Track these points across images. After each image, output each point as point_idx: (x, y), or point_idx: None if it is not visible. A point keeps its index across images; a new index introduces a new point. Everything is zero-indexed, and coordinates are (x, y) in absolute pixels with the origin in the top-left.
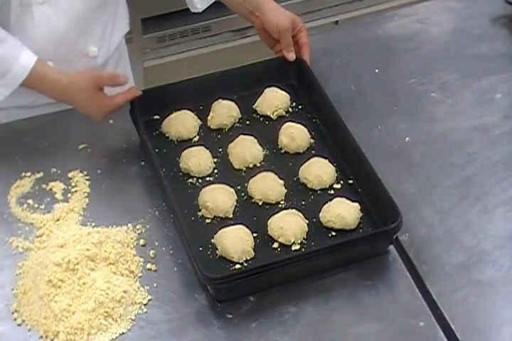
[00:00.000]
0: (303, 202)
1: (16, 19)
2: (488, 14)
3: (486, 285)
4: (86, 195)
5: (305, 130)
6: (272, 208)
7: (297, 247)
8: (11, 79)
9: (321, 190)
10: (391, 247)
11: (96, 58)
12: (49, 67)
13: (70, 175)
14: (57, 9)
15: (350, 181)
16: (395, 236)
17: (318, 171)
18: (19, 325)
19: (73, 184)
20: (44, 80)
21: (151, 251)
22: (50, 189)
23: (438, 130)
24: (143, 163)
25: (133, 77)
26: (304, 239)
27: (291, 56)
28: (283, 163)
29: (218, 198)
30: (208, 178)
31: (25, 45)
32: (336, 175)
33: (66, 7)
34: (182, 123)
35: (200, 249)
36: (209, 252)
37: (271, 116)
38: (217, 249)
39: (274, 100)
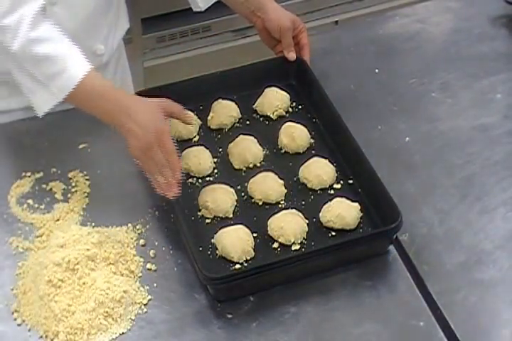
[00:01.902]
0: (303, 202)
1: None
2: (488, 14)
3: (486, 285)
4: (86, 195)
5: (305, 130)
6: (271, 208)
7: (297, 247)
8: (66, 81)
9: (321, 189)
10: (391, 247)
11: (102, 56)
12: (102, 77)
13: (70, 175)
14: (68, 10)
15: (350, 181)
16: (395, 236)
17: (318, 171)
18: (19, 325)
19: (73, 184)
20: (100, 86)
21: (151, 251)
22: (50, 189)
23: (438, 130)
24: None
25: (132, 77)
26: (304, 239)
27: (292, 56)
28: (283, 163)
29: (218, 198)
30: (207, 178)
31: None
32: (336, 175)
33: (77, 7)
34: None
35: (200, 249)
36: (209, 252)
37: (271, 116)
38: (217, 249)
39: (274, 100)
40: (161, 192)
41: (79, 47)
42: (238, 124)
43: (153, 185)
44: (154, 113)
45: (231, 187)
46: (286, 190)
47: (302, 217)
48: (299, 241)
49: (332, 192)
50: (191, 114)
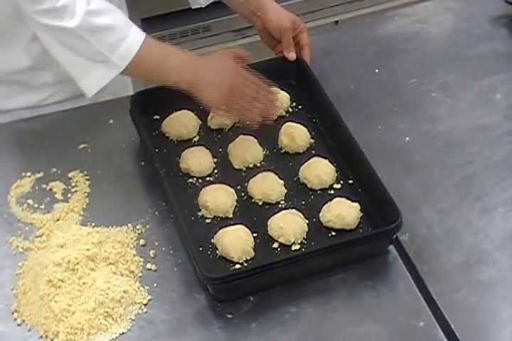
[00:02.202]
0: (303, 202)
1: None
2: (488, 14)
3: (486, 285)
4: (86, 195)
5: (305, 130)
6: (271, 208)
7: (297, 247)
8: (128, 47)
9: (321, 190)
10: (391, 247)
11: None
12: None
13: (70, 175)
14: None
15: (350, 181)
16: (395, 236)
17: (318, 171)
18: (19, 325)
19: (73, 184)
20: (162, 47)
21: (151, 251)
22: (50, 189)
23: (438, 130)
24: (143, 163)
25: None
26: (304, 239)
27: (292, 56)
28: (283, 163)
29: (218, 198)
30: (207, 178)
31: None
32: (336, 175)
33: None
34: (182, 123)
35: (200, 249)
36: (209, 252)
37: None
38: (217, 249)
39: None
40: (258, 123)
41: None
42: (238, 124)
43: (247, 122)
44: (225, 59)
45: (231, 187)
46: (286, 190)
47: (302, 217)
48: (299, 241)
49: (332, 192)
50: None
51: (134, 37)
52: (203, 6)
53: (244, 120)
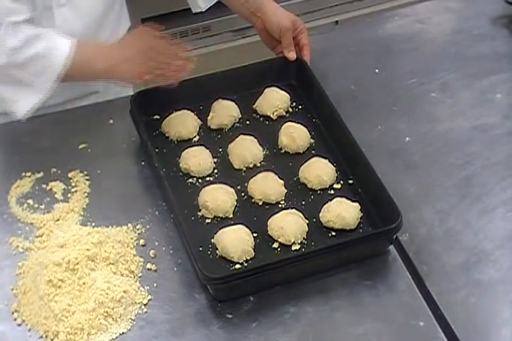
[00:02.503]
0: (303, 202)
1: (38, 22)
2: (488, 14)
3: (486, 285)
4: (86, 195)
5: (305, 130)
6: (271, 208)
7: (297, 247)
8: (52, 73)
9: (321, 190)
10: (391, 247)
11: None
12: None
13: (70, 175)
14: (76, 11)
15: (350, 181)
16: (395, 236)
17: (318, 171)
18: (19, 325)
19: (73, 184)
20: (83, 58)
21: (151, 251)
22: (50, 189)
23: (438, 130)
24: (143, 163)
25: None
26: (304, 239)
27: (292, 56)
28: (283, 163)
29: (218, 198)
30: (208, 178)
31: None
32: (336, 175)
33: (84, 9)
34: (182, 123)
35: (200, 249)
36: (209, 252)
37: (271, 116)
38: (217, 249)
39: (274, 100)
40: (177, 76)
41: None
42: (238, 124)
43: (163, 81)
44: (141, 33)
45: (231, 187)
46: (286, 190)
47: (302, 217)
48: (299, 241)
49: (332, 192)
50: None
51: (58, 61)
52: (203, 10)
53: (165, 82)
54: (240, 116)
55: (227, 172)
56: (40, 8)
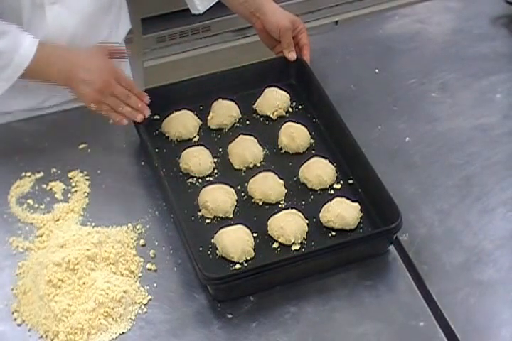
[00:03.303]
0: (303, 202)
1: (28, 20)
2: (488, 14)
3: (486, 285)
4: (86, 195)
5: (305, 130)
6: (271, 208)
7: (297, 247)
8: (11, 73)
9: (321, 190)
10: (391, 247)
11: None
12: (52, 46)
13: (70, 175)
14: (68, 9)
15: (350, 181)
16: (395, 236)
17: (318, 171)
18: (19, 325)
19: (73, 184)
20: (46, 61)
21: (151, 251)
22: (50, 189)
23: (438, 130)
24: (143, 163)
25: (132, 76)
26: (304, 239)
27: (292, 56)
28: (283, 163)
29: (218, 198)
30: (207, 178)
31: None
32: (336, 175)
33: (76, 7)
34: (182, 123)
35: (200, 249)
36: (209, 252)
37: (271, 116)
38: (217, 249)
39: (274, 100)
40: (130, 119)
41: (77, 48)
42: (238, 124)
43: (117, 120)
44: (98, 57)
45: (231, 187)
46: (286, 190)
47: (302, 217)
48: (299, 241)
49: (332, 192)
50: (123, 48)
51: (19, 61)
52: (201, 12)
53: (112, 118)
54: (240, 116)
55: (227, 172)
56: (27, 4)
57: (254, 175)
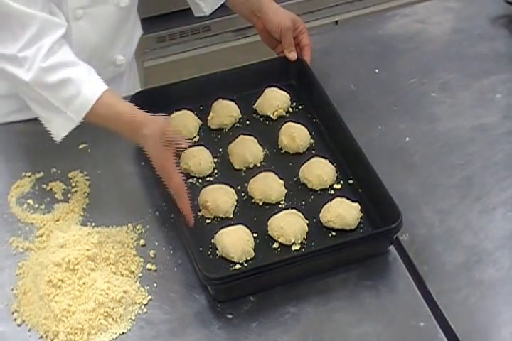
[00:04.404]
0: (303, 202)
1: None
2: (488, 14)
3: (487, 285)
4: (86, 195)
5: (305, 130)
6: (272, 208)
7: (297, 247)
8: (81, 103)
9: (321, 190)
10: (391, 247)
11: (122, 66)
12: (118, 97)
13: (70, 175)
14: (93, 24)
15: (351, 181)
16: (395, 237)
17: (319, 171)
18: (19, 325)
19: (73, 184)
20: (113, 108)
21: (151, 251)
22: (50, 189)
23: (438, 130)
24: (143, 163)
25: (132, 76)
26: (304, 239)
27: (293, 55)
28: (283, 163)
29: (218, 198)
30: (208, 178)
31: None
32: (336, 175)
33: (100, 21)
34: (182, 123)
35: (200, 249)
36: (209, 252)
37: (271, 116)
38: (217, 249)
39: (274, 100)
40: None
41: (99, 59)
42: (238, 124)
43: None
44: (155, 145)
45: (231, 187)
46: (286, 190)
47: (302, 217)
48: (299, 242)
49: (332, 192)
50: (182, 138)
51: (88, 93)
52: (207, 14)
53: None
54: (240, 116)
55: (227, 173)
56: None
57: (255, 175)
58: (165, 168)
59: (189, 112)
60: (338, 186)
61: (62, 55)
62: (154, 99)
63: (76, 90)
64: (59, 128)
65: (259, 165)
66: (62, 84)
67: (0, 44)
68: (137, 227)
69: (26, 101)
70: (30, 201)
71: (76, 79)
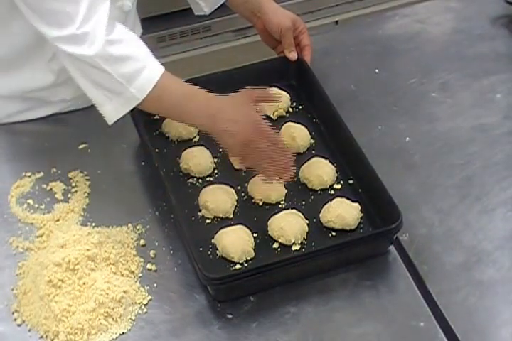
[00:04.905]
0: (303, 202)
1: None
2: (488, 14)
3: (486, 285)
4: (86, 195)
5: (305, 130)
6: (272, 208)
7: (297, 247)
8: (146, 79)
9: (321, 190)
10: (391, 247)
11: (128, 13)
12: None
13: (70, 175)
14: None
15: (351, 181)
16: (395, 237)
17: (319, 171)
18: (19, 325)
19: (73, 184)
20: (182, 85)
21: (151, 251)
22: (50, 189)
23: (438, 130)
24: (143, 163)
25: None
26: (304, 239)
27: (293, 55)
28: None
29: (218, 198)
30: (208, 178)
31: None
32: (336, 175)
33: None
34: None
35: (200, 249)
36: (209, 252)
37: (271, 116)
38: (217, 249)
39: None
40: (275, 179)
41: None
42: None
43: (264, 177)
44: (244, 106)
45: (231, 187)
46: (286, 190)
47: (302, 217)
48: (299, 242)
49: (332, 192)
50: (275, 90)
51: (153, 69)
52: (207, 14)
53: (263, 173)
54: None
55: (227, 173)
56: None
57: (254, 175)
58: (260, 127)
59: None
60: (338, 186)
61: (123, 29)
62: None
63: (141, 65)
64: (115, 110)
65: None
66: (126, 58)
67: (55, 27)
68: (137, 227)
69: (81, 85)
70: (30, 201)
71: (140, 54)
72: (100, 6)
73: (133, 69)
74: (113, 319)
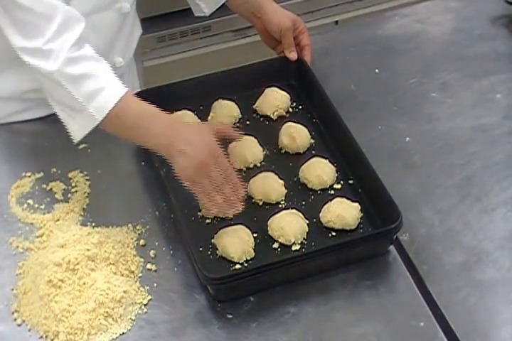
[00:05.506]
0: (303, 202)
1: None
2: (488, 14)
3: (486, 285)
4: (86, 195)
5: (305, 130)
6: (272, 208)
7: (297, 247)
8: (105, 99)
9: (321, 190)
10: (391, 247)
11: (121, 68)
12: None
13: (70, 175)
14: (93, 30)
15: (351, 181)
16: (395, 237)
17: (319, 171)
18: (19, 325)
19: (73, 184)
20: (144, 107)
21: (151, 252)
22: (50, 189)
23: (438, 130)
24: (143, 163)
25: (132, 76)
26: (304, 239)
27: (293, 56)
28: (283, 163)
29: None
30: None
31: None
32: (336, 175)
33: (101, 27)
34: None
35: (200, 249)
36: (209, 252)
37: (271, 116)
38: (217, 249)
39: (274, 100)
40: (220, 212)
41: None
42: (238, 124)
43: (208, 207)
44: (204, 133)
45: None
46: (286, 190)
47: (302, 217)
48: (299, 242)
49: (332, 192)
50: (238, 130)
51: (113, 90)
52: (207, 15)
53: (203, 203)
54: (240, 116)
55: None
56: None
57: (254, 175)
58: (216, 154)
59: (189, 112)
60: (338, 186)
61: (89, 49)
62: (154, 99)
63: (100, 85)
64: (78, 129)
65: (259, 165)
66: (86, 77)
67: (23, 38)
68: (137, 227)
69: (48, 100)
70: (30, 201)
71: (101, 74)
72: (74, 26)
73: (92, 89)
74: (113, 319)
